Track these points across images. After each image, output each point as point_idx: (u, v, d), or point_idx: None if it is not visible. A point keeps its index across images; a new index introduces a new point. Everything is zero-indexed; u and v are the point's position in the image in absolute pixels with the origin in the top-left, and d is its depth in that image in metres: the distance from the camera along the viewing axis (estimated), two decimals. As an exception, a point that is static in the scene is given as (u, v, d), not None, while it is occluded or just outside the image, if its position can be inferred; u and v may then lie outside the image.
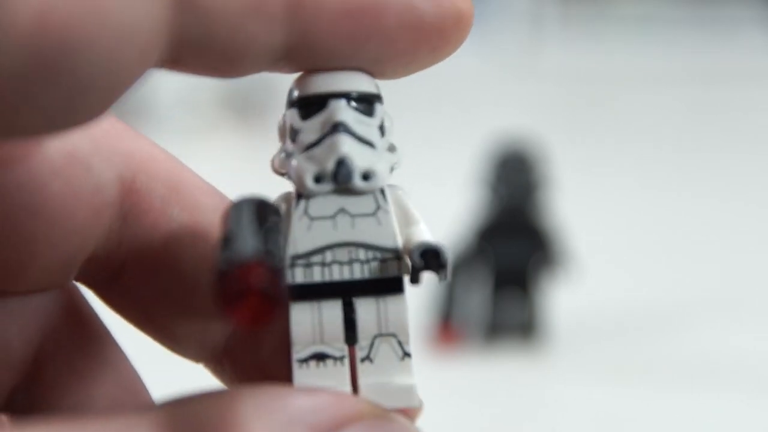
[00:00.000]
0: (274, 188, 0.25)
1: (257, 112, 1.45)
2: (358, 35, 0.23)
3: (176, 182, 0.26)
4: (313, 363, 0.23)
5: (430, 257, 0.23)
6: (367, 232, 0.24)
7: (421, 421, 0.24)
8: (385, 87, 0.25)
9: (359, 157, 0.23)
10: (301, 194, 0.24)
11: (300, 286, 0.23)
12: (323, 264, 0.23)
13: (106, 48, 0.20)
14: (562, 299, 0.84)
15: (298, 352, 0.23)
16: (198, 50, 0.22)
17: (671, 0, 2.81)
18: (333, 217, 0.24)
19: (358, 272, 0.24)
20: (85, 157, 0.25)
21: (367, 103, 0.24)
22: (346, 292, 0.24)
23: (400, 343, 0.24)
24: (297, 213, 0.24)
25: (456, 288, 0.80)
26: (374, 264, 0.24)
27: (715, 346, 0.81)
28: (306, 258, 0.23)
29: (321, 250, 0.23)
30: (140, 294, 0.26)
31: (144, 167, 0.26)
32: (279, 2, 0.22)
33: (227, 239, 0.22)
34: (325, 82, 0.24)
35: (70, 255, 0.25)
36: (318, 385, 0.23)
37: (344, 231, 0.24)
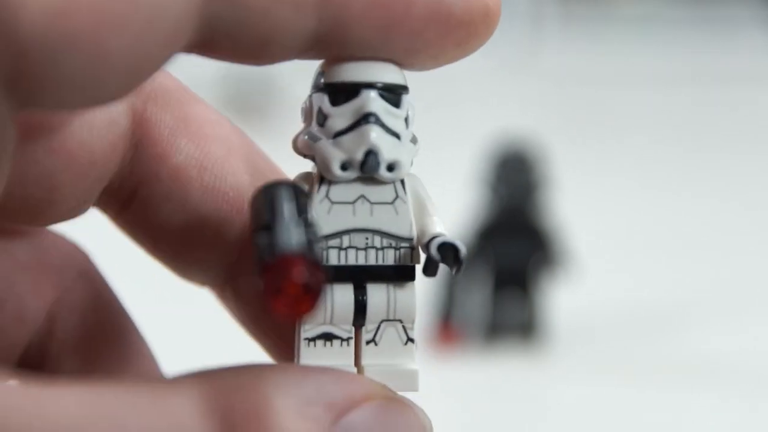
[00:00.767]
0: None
1: (258, 112, 1.45)
2: (387, 25, 0.23)
3: (185, 113, 0.27)
4: (320, 342, 0.24)
5: (448, 252, 0.24)
6: (384, 220, 0.24)
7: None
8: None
9: (386, 148, 0.24)
10: (324, 178, 0.24)
11: None
12: (340, 248, 0.24)
13: (135, 28, 0.20)
14: (562, 299, 0.84)
15: (307, 330, 0.24)
16: (228, 35, 0.22)
17: (671, 0, 2.81)
18: (353, 203, 0.24)
19: (373, 258, 0.24)
20: None
21: (395, 94, 0.24)
22: (360, 276, 0.24)
23: (405, 329, 0.24)
24: (318, 196, 0.24)
25: (456, 288, 0.80)
26: (389, 251, 0.24)
27: (714, 345, 0.81)
28: (324, 241, 0.24)
29: (339, 234, 0.24)
30: (149, 220, 0.27)
31: (154, 97, 0.26)
32: None
33: (269, 227, 0.22)
34: (357, 71, 0.24)
35: (89, 187, 0.26)
36: (325, 364, 0.24)
37: (363, 217, 0.24)
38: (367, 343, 0.24)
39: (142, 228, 0.27)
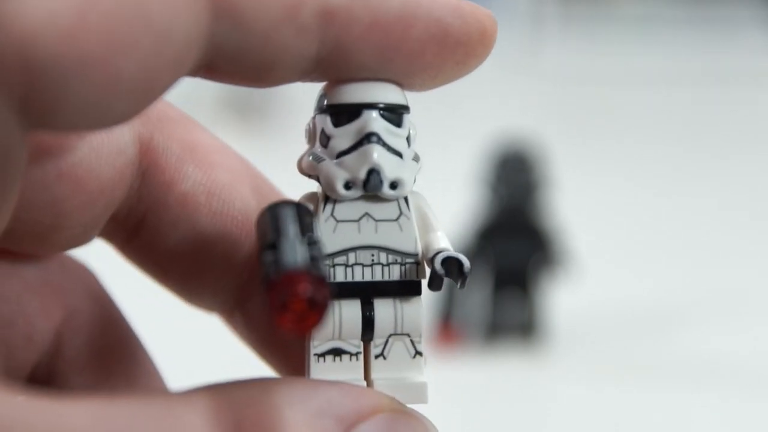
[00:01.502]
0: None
1: (258, 113, 1.45)
2: (387, 47, 0.24)
3: (191, 141, 0.27)
4: (330, 357, 0.24)
5: (452, 266, 0.25)
6: (389, 236, 0.25)
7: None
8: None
9: (388, 167, 0.24)
10: (329, 197, 0.25)
11: None
12: (346, 265, 0.25)
13: (145, 50, 0.21)
14: (562, 299, 0.84)
15: (317, 347, 0.24)
16: (232, 57, 0.22)
17: (671, 0, 2.81)
18: (358, 220, 0.25)
19: (379, 274, 0.25)
20: None
21: (396, 114, 0.25)
22: (367, 292, 0.25)
23: (413, 342, 0.25)
24: (324, 215, 0.25)
25: (456, 288, 0.80)
26: (395, 267, 0.25)
27: (714, 345, 0.81)
28: (330, 259, 0.24)
29: (345, 252, 0.25)
30: (157, 248, 0.27)
31: (160, 127, 0.27)
32: (312, 12, 0.23)
33: (273, 246, 0.22)
34: (358, 92, 0.25)
35: (97, 215, 0.26)
36: (335, 379, 0.24)
37: (368, 235, 0.25)
38: (376, 357, 0.25)
39: (150, 256, 0.27)
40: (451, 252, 0.25)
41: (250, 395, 0.22)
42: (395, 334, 0.25)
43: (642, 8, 2.78)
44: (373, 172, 0.24)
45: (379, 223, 0.25)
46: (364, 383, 0.24)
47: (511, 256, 0.81)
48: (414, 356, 0.25)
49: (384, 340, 0.25)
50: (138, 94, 0.21)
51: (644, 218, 1.17)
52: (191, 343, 0.70)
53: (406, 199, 0.25)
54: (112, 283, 0.29)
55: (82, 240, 0.26)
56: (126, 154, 0.26)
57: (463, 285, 0.25)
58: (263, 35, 0.22)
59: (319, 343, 0.24)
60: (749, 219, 1.17)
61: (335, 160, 0.24)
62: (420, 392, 0.25)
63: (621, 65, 2.20)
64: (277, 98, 1.53)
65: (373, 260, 0.25)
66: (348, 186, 0.24)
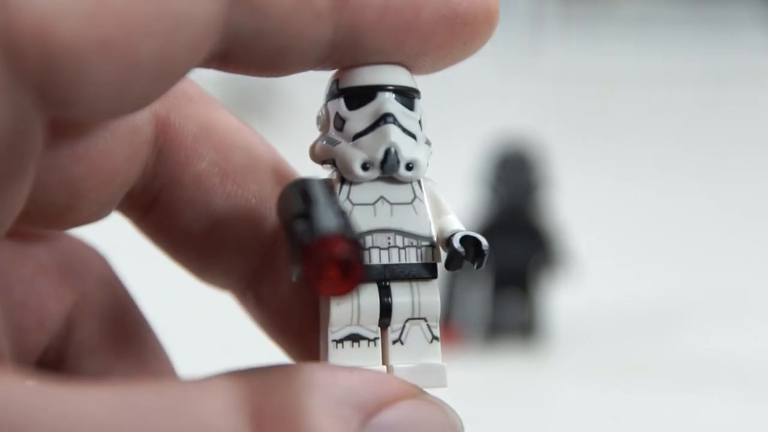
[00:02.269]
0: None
1: (259, 112, 1.45)
2: (399, 29, 0.24)
3: (208, 121, 0.27)
4: (348, 343, 0.24)
5: (469, 245, 0.25)
6: (405, 219, 0.25)
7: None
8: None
9: (404, 148, 0.24)
10: (344, 180, 0.25)
11: None
12: (363, 248, 0.24)
13: (163, 33, 0.21)
14: (562, 299, 0.84)
15: (335, 332, 0.24)
16: (249, 44, 0.23)
17: (671, 0, 2.81)
18: (373, 204, 0.25)
19: (396, 257, 0.25)
20: None
21: (409, 97, 0.25)
22: (383, 276, 0.25)
23: (429, 327, 0.26)
24: (339, 198, 0.25)
25: (456, 288, 0.80)
26: (411, 250, 0.25)
27: (714, 346, 0.81)
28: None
29: (361, 235, 0.24)
30: (172, 225, 0.27)
31: (177, 105, 0.27)
32: None
33: (305, 215, 0.22)
34: (372, 75, 0.25)
35: (112, 193, 0.26)
36: (354, 365, 0.24)
37: (384, 218, 0.25)
38: (394, 342, 0.25)
39: (164, 232, 0.27)
40: (469, 231, 0.25)
41: (270, 381, 0.22)
42: (412, 319, 0.25)
43: (642, 8, 2.78)
44: (391, 152, 0.24)
45: (394, 207, 0.25)
46: (384, 369, 0.24)
47: (511, 256, 0.81)
48: (431, 341, 0.25)
49: (401, 325, 0.25)
50: (156, 78, 0.21)
51: (644, 218, 1.17)
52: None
53: (419, 182, 0.25)
54: (124, 267, 0.29)
55: (97, 217, 0.26)
56: (142, 132, 0.26)
57: (480, 265, 0.25)
58: (280, 21, 0.22)
59: (338, 328, 0.24)
60: (749, 219, 1.17)
61: (351, 142, 0.24)
62: (440, 376, 0.25)
63: (621, 65, 2.20)
64: (278, 98, 1.53)
65: (389, 243, 0.25)
66: (365, 167, 0.24)
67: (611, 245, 1.05)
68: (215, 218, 0.27)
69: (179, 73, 0.22)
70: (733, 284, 0.95)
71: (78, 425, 0.19)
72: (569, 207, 0.89)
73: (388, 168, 0.24)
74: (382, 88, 0.25)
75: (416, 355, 0.25)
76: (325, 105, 0.25)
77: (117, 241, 0.35)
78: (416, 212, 0.25)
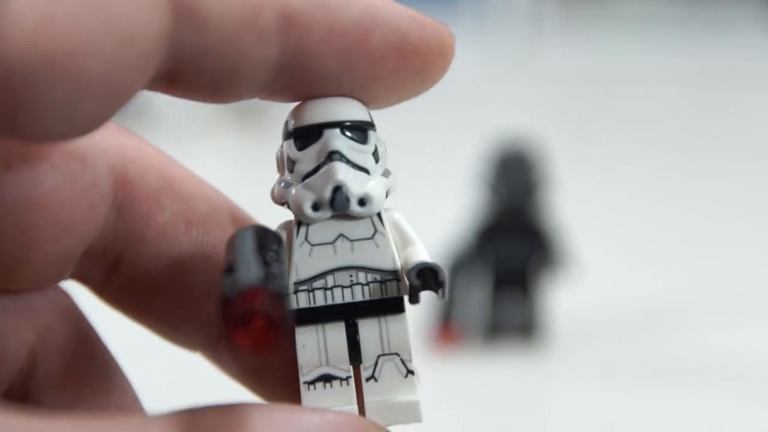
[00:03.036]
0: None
1: (257, 113, 1.45)
2: (347, 52, 0.23)
3: (167, 173, 0.27)
4: (320, 384, 0.24)
5: (427, 276, 0.24)
6: (366, 255, 0.25)
7: (421, 422, 0.25)
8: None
9: (355, 184, 0.24)
10: (301, 222, 0.24)
11: (304, 311, 0.24)
12: (325, 288, 0.24)
13: (110, 49, 0.20)
14: (562, 299, 0.84)
15: (305, 374, 0.24)
16: (194, 63, 0.22)
17: (671, 0, 2.81)
18: (333, 242, 0.24)
19: (360, 294, 0.24)
20: (81, 151, 0.25)
21: (360, 131, 0.25)
22: (349, 314, 0.24)
23: (403, 362, 0.25)
24: (298, 240, 0.24)
25: (456, 288, 0.80)
26: (375, 286, 0.25)
27: (715, 346, 0.81)
28: (308, 283, 0.24)
29: (323, 275, 0.24)
30: (137, 285, 0.27)
31: (136, 159, 0.26)
32: (272, 16, 0.23)
33: (231, 267, 0.22)
34: (319, 113, 0.24)
35: (68, 249, 0.25)
36: (326, 406, 0.24)
37: (344, 255, 0.24)
38: (367, 380, 0.25)
39: (130, 295, 0.27)
40: (426, 262, 0.24)
41: (227, 420, 0.21)
42: (384, 355, 0.25)
43: (642, 8, 2.78)
44: (339, 190, 0.24)
45: (354, 243, 0.24)
46: (356, 408, 0.24)
47: (511, 256, 0.81)
48: (406, 375, 0.25)
49: (373, 361, 0.25)
50: (105, 96, 0.21)
51: (644, 218, 1.17)
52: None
53: (379, 215, 0.25)
54: (87, 301, 0.28)
55: (53, 277, 0.26)
56: (100, 187, 0.25)
57: (443, 295, 0.24)
58: (226, 39, 0.22)
59: (308, 370, 0.24)
60: (749, 219, 1.17)
61: (301, 183, 0.24)
62: (414, 412, 0.24)
63: (621, 65, 2.20)
64: (270, 107, 1.53)
65: (352, 281, 0.24)
66: (316, 207, 0.24)
67: (611, 245, 1.05)
68: (182, 269, 0.26)
69: (128, 92, 0.21)
70: (734, 284, 0.95)
71: None
72: (569, 207, 0.89)
73: (338, 206, 0.24)
74: (329, 125, 0.24)
75: (390, 391, 0.24)
76: (281, 146, 0.25)
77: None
78: (378, 246, 0.25)
